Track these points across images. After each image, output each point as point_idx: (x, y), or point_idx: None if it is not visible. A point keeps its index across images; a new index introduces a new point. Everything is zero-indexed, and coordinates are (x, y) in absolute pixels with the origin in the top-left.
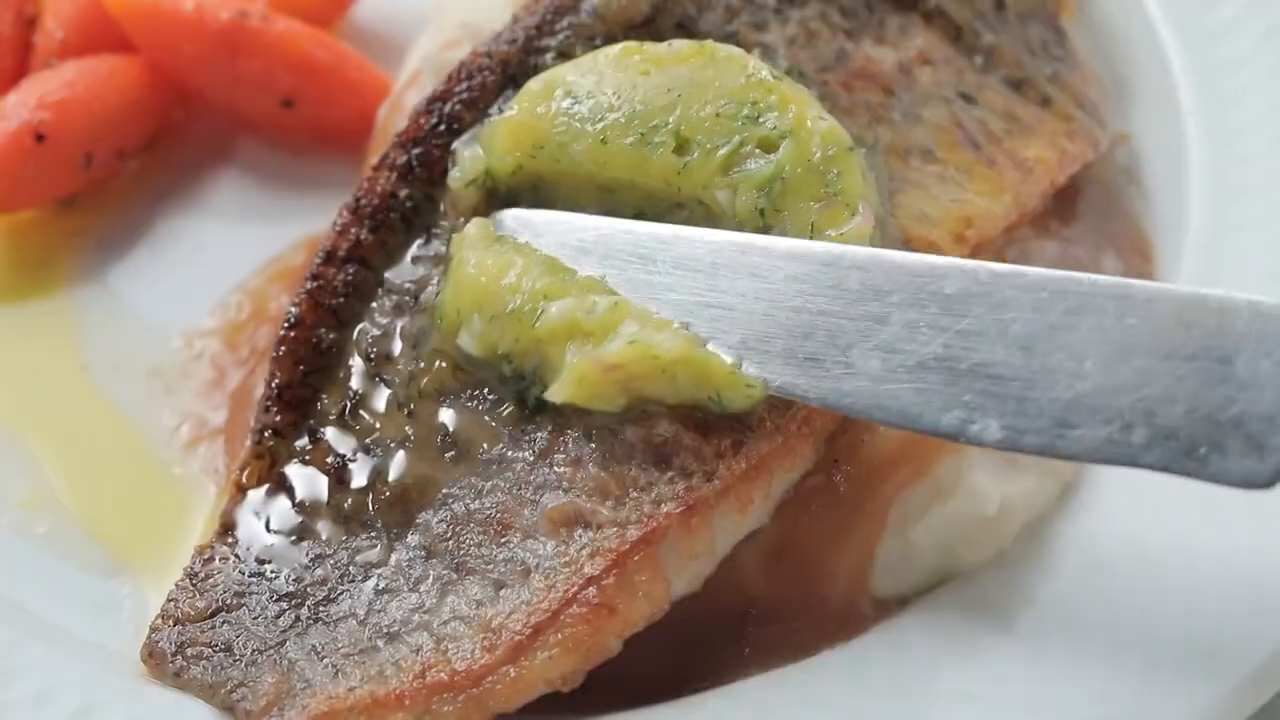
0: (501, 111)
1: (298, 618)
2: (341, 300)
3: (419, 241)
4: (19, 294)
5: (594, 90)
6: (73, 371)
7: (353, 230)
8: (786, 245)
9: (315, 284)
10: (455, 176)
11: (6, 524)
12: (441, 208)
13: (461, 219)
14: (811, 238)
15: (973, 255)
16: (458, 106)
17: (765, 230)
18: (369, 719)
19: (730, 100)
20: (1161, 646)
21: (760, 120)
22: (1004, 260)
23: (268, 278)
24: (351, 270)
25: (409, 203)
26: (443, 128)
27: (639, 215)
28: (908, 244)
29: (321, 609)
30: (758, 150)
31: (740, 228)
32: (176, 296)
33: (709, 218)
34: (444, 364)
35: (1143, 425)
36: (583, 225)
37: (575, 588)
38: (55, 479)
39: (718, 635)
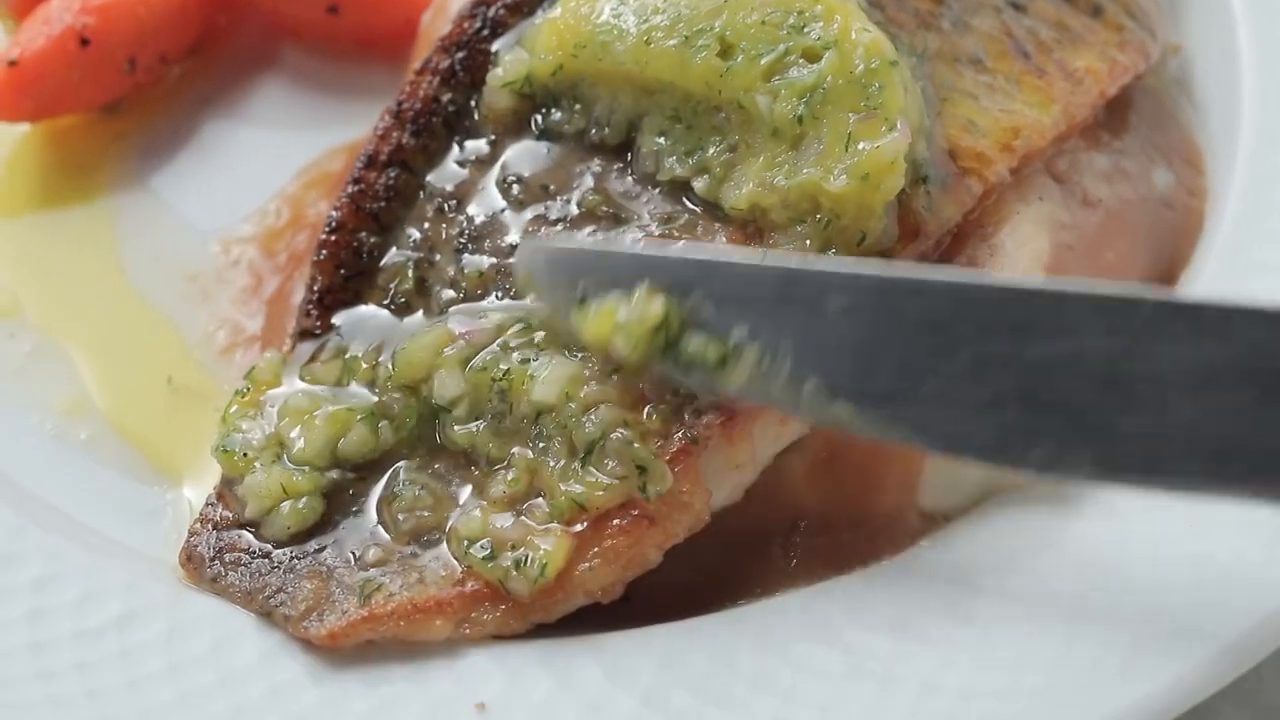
0: (549, 8)
1: (337, 524)
2: (383, 205)
3: (461, 145)
4: (61, 199)
5: None
6: (112, 277)
7: (394, 134)
8: (831, 271)
9: (357, 188)
10: (496, 76)
11: (48, 430)
12: (474, 110)
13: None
14: (847, 149)
15: (1020, 166)
16: (502, 10)
17: (800, 138)
18: (408, 625)
19: (776, 9)
20: (1209, 563)
21: (805, 30)
22: (1055, 172)
23: (305, 184)
24: (393, 174)
25: (451, 106)
26: (486, 31)
27: (675, 118)
28: (954, 154)
29: (360, 515)
30: (801, 59)
31: (776, 134)
32: (219, 202)
33: (746, 122)
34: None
35: (1239, 458)
36: (611, 252)
37: (616, 500)
38: (94, 385)
39: (764, 547)
